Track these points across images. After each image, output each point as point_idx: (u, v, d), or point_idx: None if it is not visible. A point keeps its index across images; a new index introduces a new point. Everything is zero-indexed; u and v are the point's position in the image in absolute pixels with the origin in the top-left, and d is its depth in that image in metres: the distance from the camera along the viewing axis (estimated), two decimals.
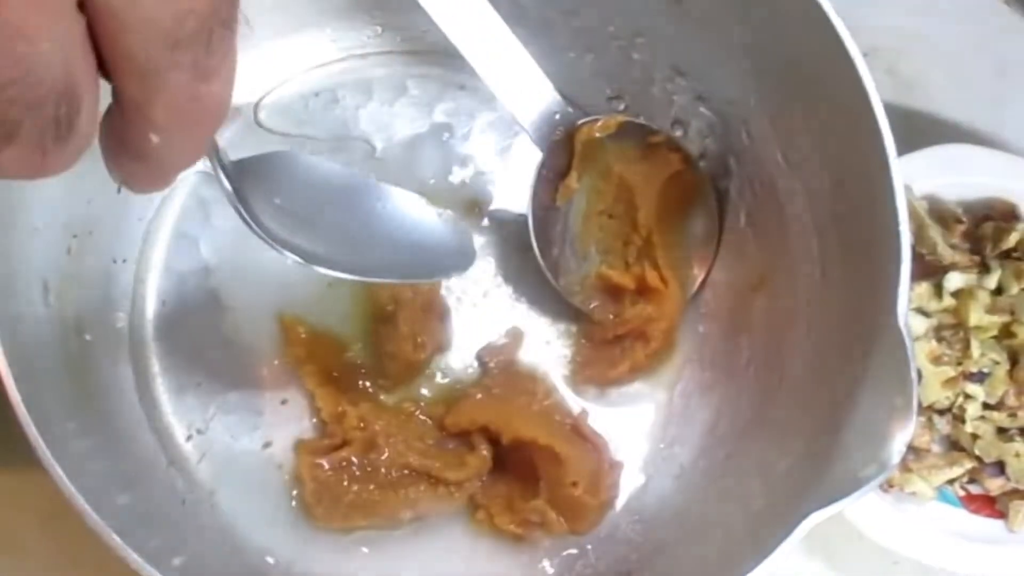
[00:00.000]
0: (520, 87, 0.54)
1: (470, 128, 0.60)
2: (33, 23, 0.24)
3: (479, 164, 0.59)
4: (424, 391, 0.56)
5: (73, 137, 0.26)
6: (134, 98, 0.27)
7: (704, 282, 0.57)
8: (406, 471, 0.53)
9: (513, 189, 0.58)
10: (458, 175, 0.57)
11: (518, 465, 0.53)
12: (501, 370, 0.56)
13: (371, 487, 0.53)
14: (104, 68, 0.26)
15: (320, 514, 0.52)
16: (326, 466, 0.53)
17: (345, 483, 0.53)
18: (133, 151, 0.29)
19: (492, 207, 0.58)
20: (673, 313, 0.56)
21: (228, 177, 0.40)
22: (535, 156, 0.56)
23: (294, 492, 0.53)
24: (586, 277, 0.57)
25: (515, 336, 0.57)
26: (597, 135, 0.56)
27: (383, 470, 0.53)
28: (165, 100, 0.27)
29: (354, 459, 0.53)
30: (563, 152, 0.56)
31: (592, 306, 0.57)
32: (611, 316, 0.56)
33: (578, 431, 0.54)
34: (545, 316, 0.58)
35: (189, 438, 0.54)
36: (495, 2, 0.52)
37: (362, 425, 0.53)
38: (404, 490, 0.53)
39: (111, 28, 0.25)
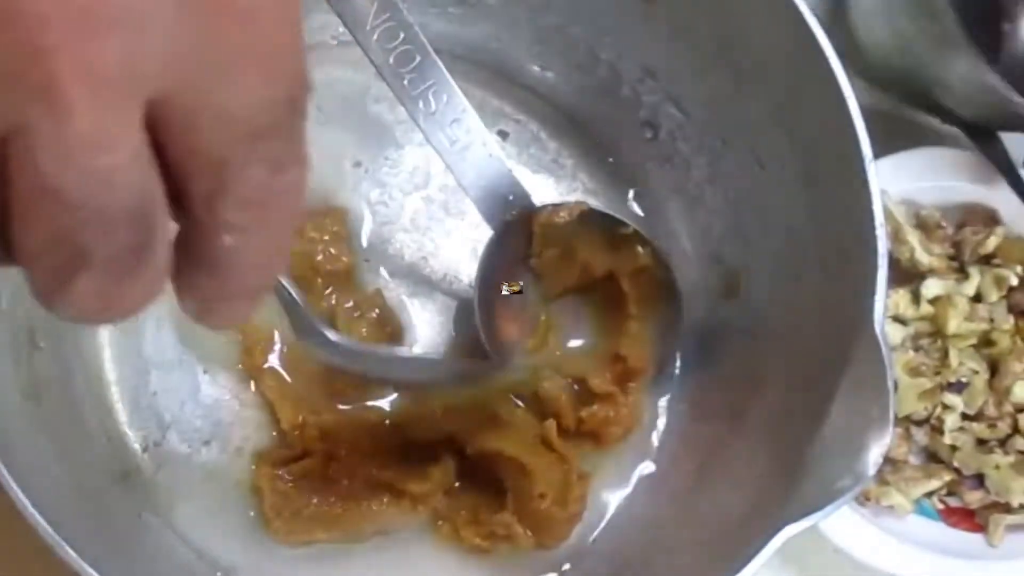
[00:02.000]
0: (473, 162, 0.51)
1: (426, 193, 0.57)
2: (110, 130, 0.21)
3: (425, 236, 0.57)
4: (387, 401, 0.54)
5: (147, 267, 0.23)
6: (204, 196, 0.24)
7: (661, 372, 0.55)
8: (368, 483, 0.52)
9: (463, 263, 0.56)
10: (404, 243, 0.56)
11: (484, 477, 0.52)
12: None
13: (332, 499, 0.51)
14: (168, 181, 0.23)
15: (279, 527, 0.51)
16: (286, 478, 0.51)
17: (305, 495, 0.51)
18: (206, 262, 0.25)
19: (440, 279, 0.56)
20: (630, 420, 0.54)
21: None
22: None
23: (253, 505, 0.52)
24: (541, 361, 0.54)
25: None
26: (558, 221, 0.52)
27: (344, 482, 0.51)
28: (239, 195, 0.24)
29: (315, 470, 0.51)
30: (518, 232, 0.52)
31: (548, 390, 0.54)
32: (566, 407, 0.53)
33: (545, 442, 0.53)
34: None
35: (145, 449, 0.53)
36: None
37: (323, 436, 0.52)
38: (366, 502, 0.51)
39: (181, 126, 0.22)
